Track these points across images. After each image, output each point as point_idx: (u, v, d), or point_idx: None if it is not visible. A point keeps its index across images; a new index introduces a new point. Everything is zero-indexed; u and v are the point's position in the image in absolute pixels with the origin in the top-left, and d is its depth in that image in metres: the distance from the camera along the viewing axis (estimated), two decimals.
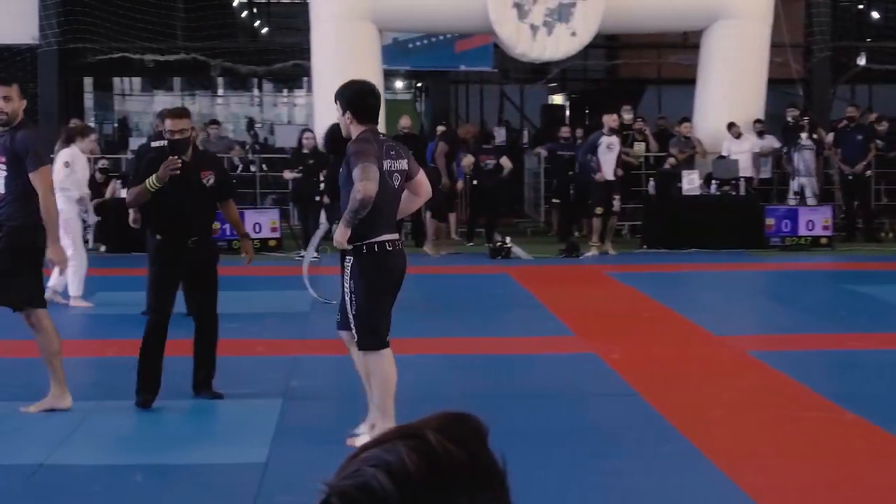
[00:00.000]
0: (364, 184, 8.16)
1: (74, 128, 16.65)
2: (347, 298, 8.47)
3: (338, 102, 8.67)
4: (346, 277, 8.44)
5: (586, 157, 21.31)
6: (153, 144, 14.52)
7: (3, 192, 9.19)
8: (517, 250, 20.68)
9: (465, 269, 19.40)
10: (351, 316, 8.46)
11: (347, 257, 8.43)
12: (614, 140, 21.38)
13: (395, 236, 8.61)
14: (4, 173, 9.19)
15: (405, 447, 1.70)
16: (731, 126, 23.55)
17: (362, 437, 8.63)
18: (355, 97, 8.68)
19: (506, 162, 22.75)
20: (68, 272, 14.75)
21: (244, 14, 35.55)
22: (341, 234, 8.30)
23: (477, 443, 1.74)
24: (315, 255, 19.96)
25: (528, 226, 25.85)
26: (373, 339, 8.47)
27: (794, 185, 23.35)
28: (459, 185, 21.85)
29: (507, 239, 20.89)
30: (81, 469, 8.16)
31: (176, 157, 9.80)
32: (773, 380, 10.98)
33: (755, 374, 11.24)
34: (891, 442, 8.77)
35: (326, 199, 20.53)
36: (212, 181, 9.98)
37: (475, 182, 22.85)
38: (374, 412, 8.75)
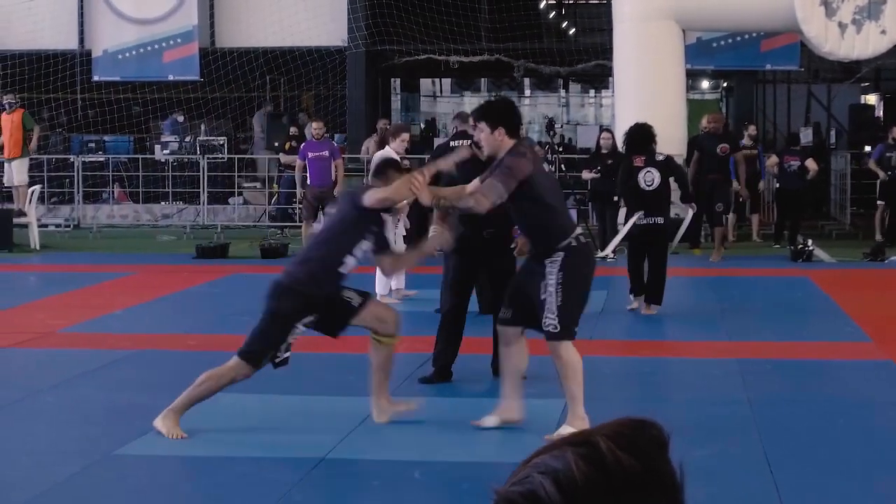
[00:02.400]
0: (482, 200, 8.50)
1: (387, 130, 17.12)
2: (552, 290, 8.55)
3: (484, 122, 8.79)
4: (555, 271, 8.53)
5: None
6: (451, 144, 14.80)
7: None
8: (819, 253, 20.16)
9: (765, 271, 19.01)
10: (555, 307, 8.56)
11: (557, 253, 8.55)
12: None
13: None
14: None
15: (574, 454, 1.65)
16: None
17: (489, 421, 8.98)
18: (505, 113, 8.91)
19: (811, 164, 22.17)
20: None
21: (549, 14, 35.67)
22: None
23: (653, 452, 1.68)
24: (611, 255, 19.92)
25: (833, 228, 25.16)
26: (572, 330, 8.72)
27: None
28: (761, 185, 21.38)
29: (810, 242, 20.39)
30: (361, 463, 8.30)
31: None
32: None
33: None
34: None
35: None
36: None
37: (778, 184, 22.43)
38: (508, 401, 9.05)
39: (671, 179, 14.60)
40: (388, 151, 15.30)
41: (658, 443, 1.70)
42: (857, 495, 7.65)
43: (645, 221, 14.25)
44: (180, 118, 28.31)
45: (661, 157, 14.44)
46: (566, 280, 8.53)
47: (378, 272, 15.13)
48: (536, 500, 1.64)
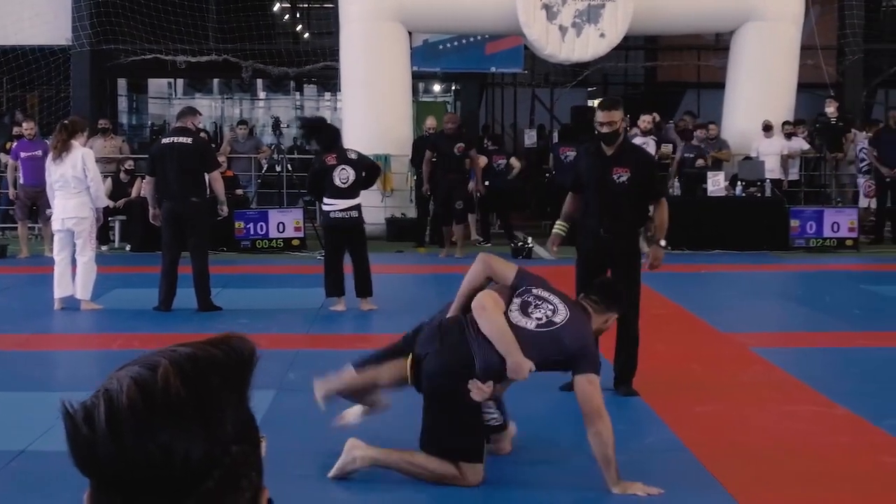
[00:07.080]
0: None
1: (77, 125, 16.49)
2: None
3: None
4: None
5: None
6: (164, 140, 14.75)
7: None
8: (539, 250, 20.61)
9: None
10: None
11: None
12: (648, 141, 21.52)
13: None
14: None
15: (133, 375, 1.62)
16: (766, 127, 23.54)
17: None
18: None
19: (514, 162, 22.95)
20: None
21: (277, 16, 35.64)
22: None
23: (215, 382, 1.64)
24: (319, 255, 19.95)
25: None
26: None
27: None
28: (471, 186, 21.40)
29: (529, 239, 20.85)
30: (63, 455, 8.18)
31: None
32: (771, 375, 10.95)
33: (754, 370, 11.22)
34: (876, 434, 8.75)
35: None
36: (623, 178, 10.28)
37: (486, 182, 22.41)
38: None
39: (363, 174, 14.78)
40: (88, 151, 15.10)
41: (228, 371, 1.67)
42: (561, 479, 7.91)
43: (341, 216, 14.48)
44: None
45: (353, 155, 14.70)
46: None
47: (57, 273, 14.58)
48: (90, 419, 1.60)
